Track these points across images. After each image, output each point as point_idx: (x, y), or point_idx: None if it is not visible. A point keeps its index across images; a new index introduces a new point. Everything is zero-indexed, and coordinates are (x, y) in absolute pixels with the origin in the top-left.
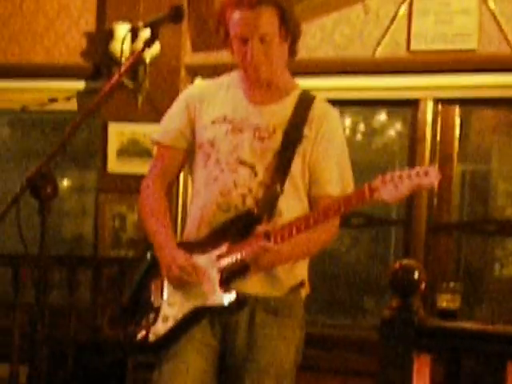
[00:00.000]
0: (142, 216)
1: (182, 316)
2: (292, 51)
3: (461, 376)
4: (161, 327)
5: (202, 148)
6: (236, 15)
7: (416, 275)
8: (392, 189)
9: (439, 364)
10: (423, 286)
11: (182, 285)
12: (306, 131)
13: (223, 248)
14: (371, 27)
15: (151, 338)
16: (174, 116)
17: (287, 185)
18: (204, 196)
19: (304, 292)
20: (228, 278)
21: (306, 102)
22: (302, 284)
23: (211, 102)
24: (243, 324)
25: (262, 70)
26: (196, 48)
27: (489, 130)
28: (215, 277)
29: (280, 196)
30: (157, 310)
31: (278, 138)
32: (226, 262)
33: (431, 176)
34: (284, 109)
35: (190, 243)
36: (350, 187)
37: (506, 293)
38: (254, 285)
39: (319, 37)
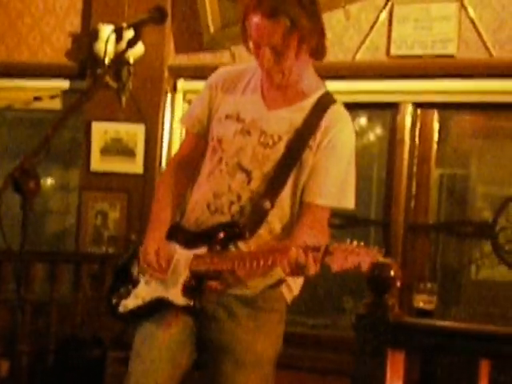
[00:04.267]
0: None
1: (149, 300)
2: (317, 56)
3: (436, 373)
4: (130, 302)
5: (212, 141)
6: (254, 19)
7: (391, 273)
8: (341, 259)
9: (415, 361)
10: (398, 283)
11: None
12: (311, 141)
13: (202, 251)
14: (352, 32)
15: (120, 309)
16: (198, 101)
17: (281, 198)
18: (201, 191)
19: (286, 289)
20: (194, 284)
21: (322, 106)
22: (280, 281)
23: (231, 94)
24: (220, 315)
25: (275, 77)
26: (179, 49)
27: (467, 134)
28: (183, 276)
29: (269, 212)
30: (134, 285)
31: (282, 147)
32: (197, 266)
33: (371, 258)
34: (297, 114)
35: (181, 228)
36: (350, 202)
37: (481, 294)
38: (228, 283)
39: None
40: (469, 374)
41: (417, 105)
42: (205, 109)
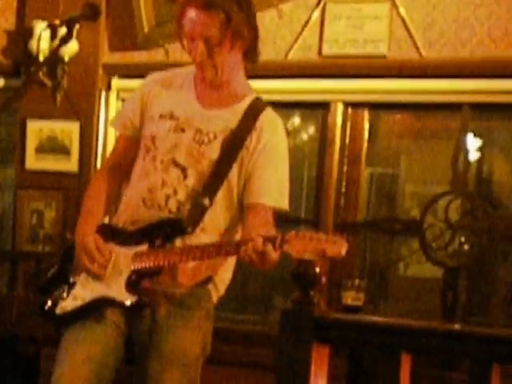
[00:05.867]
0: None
1: (89, 300)
2: (250, 58)
3: (362, 368)
4: (69, 304)
5: (144, 140)
6: (189, 12)
7: (317, 269)
8: (301, 247)
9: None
10: (324, 280)
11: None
12: (247, 142)
13: (143, 248)
14: (284, 31)
15: (58, 311)
16: (129, 103)
17: (219, 197)
18: (134, 188)
19: (213, 288)
20: (137, 280)
21: (255, 111)
22: (209, 279)
23: (164, 95)
24: (148, 314)
25: (207, 72)
26: (114, 47)
27: (397, 134)
28: (125, 274)
29: (208, 209)
30: (71, 286)
31: (217, 145)
32: (140, 263)
33: (339, 246)
34: (232, 116)
35: (115, 229)
36: (285, 203)
37: (410, 291)
38: (158, 281)
39: None
40: (390, 368)
41: (347, 104)
42: (136, 110)
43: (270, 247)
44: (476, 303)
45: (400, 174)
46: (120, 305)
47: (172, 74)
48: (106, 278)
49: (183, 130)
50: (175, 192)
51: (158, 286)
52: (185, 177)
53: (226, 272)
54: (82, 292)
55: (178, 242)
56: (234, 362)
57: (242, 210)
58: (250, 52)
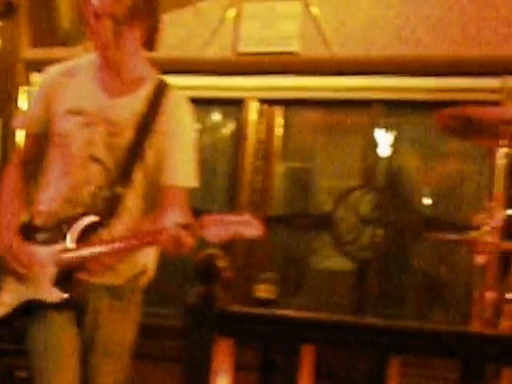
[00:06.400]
0: None
1: (18, 304)
2: (149, 44)
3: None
4: None
5: (55, 137)
6: None
7: (219, 263)
8: (217, 231)
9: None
10: (227, 273)
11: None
12: (157, 125)
13: (65, 244)
14: (201, 29)
15: None
16: (33, 102)
17: (135, 184)
18: (54, 189)
19: (146, 278)
20: (65, 276)
21: (160, 94)
22: (143, 272)
23: (68, 87)
24: (90, 310)
25: (111, 51)
26: (34, 43)
27: (310, 129)
28: (52, 272)
29: (124, 197)
30: None
31: (129, 133)
32: (66, 258)
33: (254, 228)
34: (137, 101)
35: (35, 228)
36: (195, 180)
37: (324, 284)
38: (97, 274)
39: None
40: (289, 361)
41: (262, 101)
42: (41, 108)
43: (186, 234)
44: (388, 295)
45: (314, 168)
46: (52, 305)
47: (74, 64)
48: (32, 279)
49: (94, 124)
50: (100, 188)
51: (96, 279)
52: (105, 170)
53: (151, 253)
54: (9, 298)
55: (99, 235)
56: (149, 355)
57: (158, 193)
58: (150, 38)
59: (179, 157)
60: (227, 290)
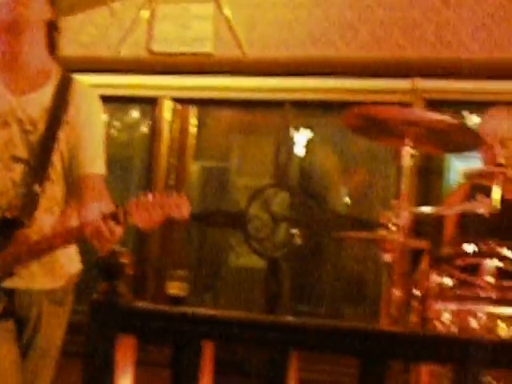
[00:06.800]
0: None
1: None
2: (52, 43)
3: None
4: None
5: None
6: None
7: (123, 260)
8: (145, 215)
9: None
10: (130, 270)
11: None
12: (68, 117)
13: None
14: (115, 29)
15: None
16: None
17: (52, 179)
18: None
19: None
20: None
21: (65, 86)
22: (76, 272)
23: None
24: (32, 317)
25: (19, 46)
26: None
27: (225, 129)
28: None
29: (44, 192)
30: None
31: (42, 128)
32: None
33: (182, 207)
34: (44, 97)
35: None
36: (104, 168)
37: (237, 281)
38: (38, 280)
39: (67, 36)
40: (189, 357)
41: (176, 100)
42: None
43: (112, 224)
44: (301, 292)
45: (229, 167)
46: None
47: None
48: None
49: (8, 124)
50: (22, 186)
51: (38, 285)
52: (28, 169)
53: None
54: None
55: (21, 234)
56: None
57: (76, 184)
58: (53, 36)
59: (93, 146)
60: (130, 287)
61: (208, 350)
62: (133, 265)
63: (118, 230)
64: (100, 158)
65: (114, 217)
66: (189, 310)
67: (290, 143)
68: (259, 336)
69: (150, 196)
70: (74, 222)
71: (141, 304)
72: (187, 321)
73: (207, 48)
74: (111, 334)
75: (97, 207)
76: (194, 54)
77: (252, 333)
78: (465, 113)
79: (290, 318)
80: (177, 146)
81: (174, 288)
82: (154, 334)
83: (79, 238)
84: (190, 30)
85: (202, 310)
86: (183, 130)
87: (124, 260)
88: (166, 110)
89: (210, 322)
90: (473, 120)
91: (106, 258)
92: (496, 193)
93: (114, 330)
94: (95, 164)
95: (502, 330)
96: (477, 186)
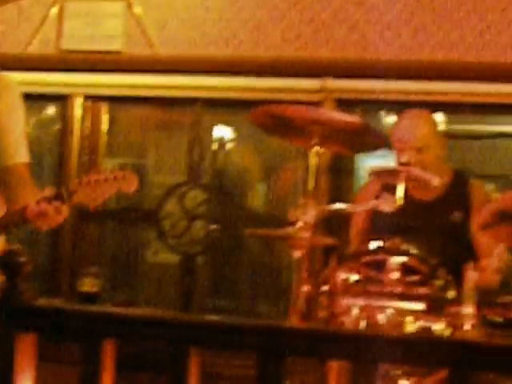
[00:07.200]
0: None
1: None
2: None
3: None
4: None
5: None
6: None
7: (20, 259)
8: (90, 192)
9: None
10: (28, 268)
11: None
12: None
13: None
14: (24, 26)
15: None
16: None
17: None
18: None
19: None
20: None
21: None
22: None
23: None
24: None
25: None
26: None
27: (137, 126)
28: None
29: None
30: None
31: None
32: None
33: (130, 181)
34: None
35: None
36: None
37: (152, 278)
38: None
39: None
40: (93, 353)
41: (87, 97)
42: None
43: (58, 204)
44: (216, 289)
45: (142, 164)
46: None
47: None
48: None
49: None
50: None
51: None
52: None
53: None
54: None
55: None
56: None
57: (2, 174)
58: None
59: (16, 135)
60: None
61: (109, 348)
62: (30, 262)
63: (64, 210)
64: (23, 146)
65: (58, 197)
66: (89, 307)
67: (202, 141)
68: (160, 333)
69: (93, 174)
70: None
71: (41, 302)
72: (87, 319)
73: (117, 46)
74: (11, 332)
75: (34, 192)
76: (103, 52)
77: (153, 330)
78: (382, 113)
79: (190, 316)
80: (88, 143)
81: (87, 285)
82: (54, 332)
83: (20, 221)
84: (99, 27)
85: (103, 308)
86: (94, 128)
87: (21, 258)
88: (77, 108)
89: (111, 319)
90: (388, 120)
91: (2, 257)
92: (399, 191)
93: (14, 328)
94: (19, 153)
95: (409, 325)
96: (388, 185)
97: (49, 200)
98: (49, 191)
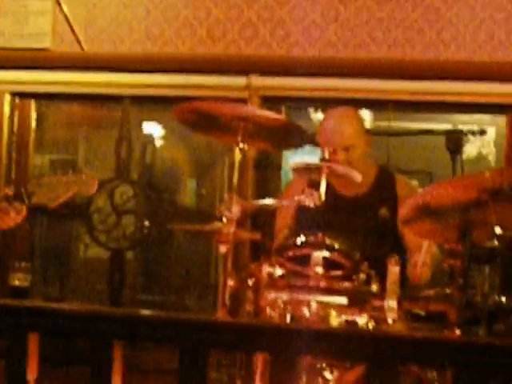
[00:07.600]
0: None
1: None
2: None
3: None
4: None
5: None
6: None
7: None
8: (49, 193)
9: None
10: None
11: None
12: None
13: None
14: None
15: None
16: None
17: None
18: None
19: None
20: None
21: None
22: None
23: None
24: None
25: None
26: None
27: (66, 123)
28: None
29: None
30: None
31: None
32: None
33: (90, 184)
34: None
35: None
36: None
37: (82, 273)
38: None
39: None
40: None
41: (15, 94)
42: None
43: (17, 204)
44: (146, 283)
45: (76, 160)
46: None
47: None
48: None
49: None
50: None
51: None
52: None
53: None
54: None
55: None
56: None
57: None
58: None
59: None
60: None
61: (33, 342)
62: None
63: (23, 210)
64: None
65: (17, 197)
66: (14, 302)
67: (131, 137)
68: (83, 327)
69: (53, 176)
70: None
71: None
72: (11, 312)
73: (45, 43)
74: None
75: None
76: (32, 50)
77: (76, 324)
78: (307, 110)
79: (112, 309)
80: (17, 139)
81: (17, 279)
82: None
83: None
84: (27, 25)
85: (28, 302)
86: (23, 124)
87: None
88: (5, 105)
89: (35, 313)
90: (314, 117)
91: None
92: (322, 187)
93: None
94: None
95: (334, 318)
96: (313, 181)
97: (9, 200)
98: (9, 191)
